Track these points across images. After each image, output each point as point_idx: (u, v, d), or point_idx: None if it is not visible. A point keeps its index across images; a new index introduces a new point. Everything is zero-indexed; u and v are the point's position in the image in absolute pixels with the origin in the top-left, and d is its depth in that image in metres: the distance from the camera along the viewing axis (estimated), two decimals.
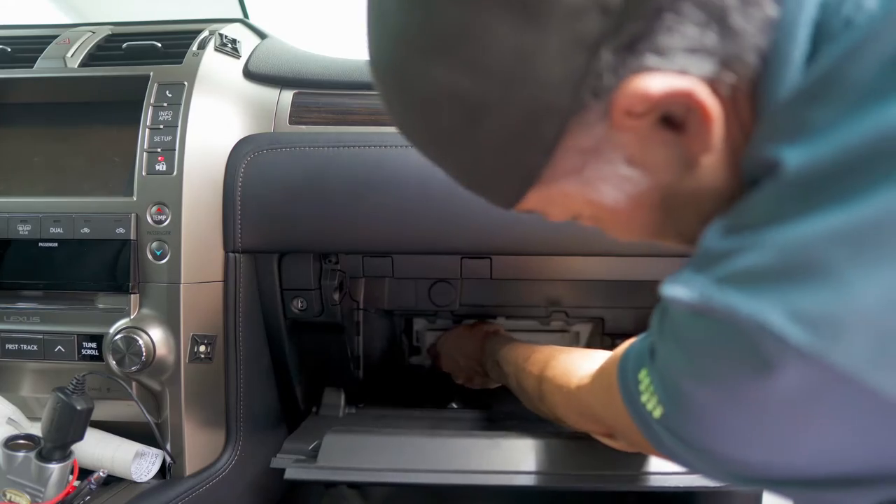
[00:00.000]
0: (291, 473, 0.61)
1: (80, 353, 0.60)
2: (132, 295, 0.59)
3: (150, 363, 0.58)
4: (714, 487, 0.60)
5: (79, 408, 0.53)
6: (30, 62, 0.65)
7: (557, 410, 0.55)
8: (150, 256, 0.59)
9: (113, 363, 0.57)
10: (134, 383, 0.60)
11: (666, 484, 0.59)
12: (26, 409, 0.62)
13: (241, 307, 0.66)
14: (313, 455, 0.63)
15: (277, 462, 0.63)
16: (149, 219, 0.59)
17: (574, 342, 1.00)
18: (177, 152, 0.60)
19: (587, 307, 0.98)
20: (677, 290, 0.25)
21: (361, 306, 0.88)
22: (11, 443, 0.54)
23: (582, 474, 0.60)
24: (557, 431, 0.64)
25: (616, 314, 0.97)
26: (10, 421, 0.59)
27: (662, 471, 0.59)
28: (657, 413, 0.31)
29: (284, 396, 0.77)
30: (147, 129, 0.60)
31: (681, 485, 0.59)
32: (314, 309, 0.72)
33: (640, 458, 0.60)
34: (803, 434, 0.25)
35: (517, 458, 0.61)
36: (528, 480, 0.60)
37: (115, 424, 0.61)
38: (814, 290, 0.21)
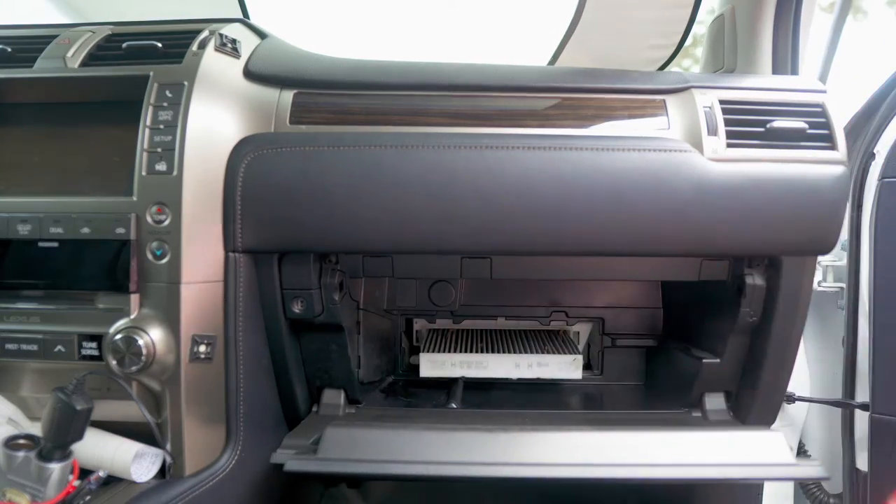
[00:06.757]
0: (292, 465, 0.60)
1: (80, 353, 0.60)
2: (132, 295, 0.59)
3: (150, 363, 0.58)
4: (713, 480, 0.60)
5: (79, 408, 0.53)
6: (30, 62, 0.65)
7: None
8: (150, 256, 0.59)
9: (113, 363, 0.57)
10: (134, 383, 0.60)
11: (664, 476, 0.59)
12: (26, 409, 0.62)
13: (241, 307, 0.66)
14: (313, 449, 0.63)
15: (277, 457, 0.63)
16: (149, 219, 0.59)
17: (574, 342, 1.00)
18: (177, 152, 0.60)
19: (587, 307, 0.98)
20: None
21: (361, 306, 0.88)
22: (11, 443, 0.54)
23: (583, 465, 0.60)
24: (557, 425, 0.64)
25: (616, 314, 0.98)
26: (10, 421, 0.59)
27: (664, 462, 0.59)
28: None
29: (284, 396, 0.77)
30: (147, 129, 0.60)
31: (678, 476, 0.59)
32: (314, 309, 0.72)
33: (641, 450, 0.61)
34: None
35: (517, 450, 0.61)
36: (528, 472, 0.59)
37: (115, 424, 0.61)
38: None
